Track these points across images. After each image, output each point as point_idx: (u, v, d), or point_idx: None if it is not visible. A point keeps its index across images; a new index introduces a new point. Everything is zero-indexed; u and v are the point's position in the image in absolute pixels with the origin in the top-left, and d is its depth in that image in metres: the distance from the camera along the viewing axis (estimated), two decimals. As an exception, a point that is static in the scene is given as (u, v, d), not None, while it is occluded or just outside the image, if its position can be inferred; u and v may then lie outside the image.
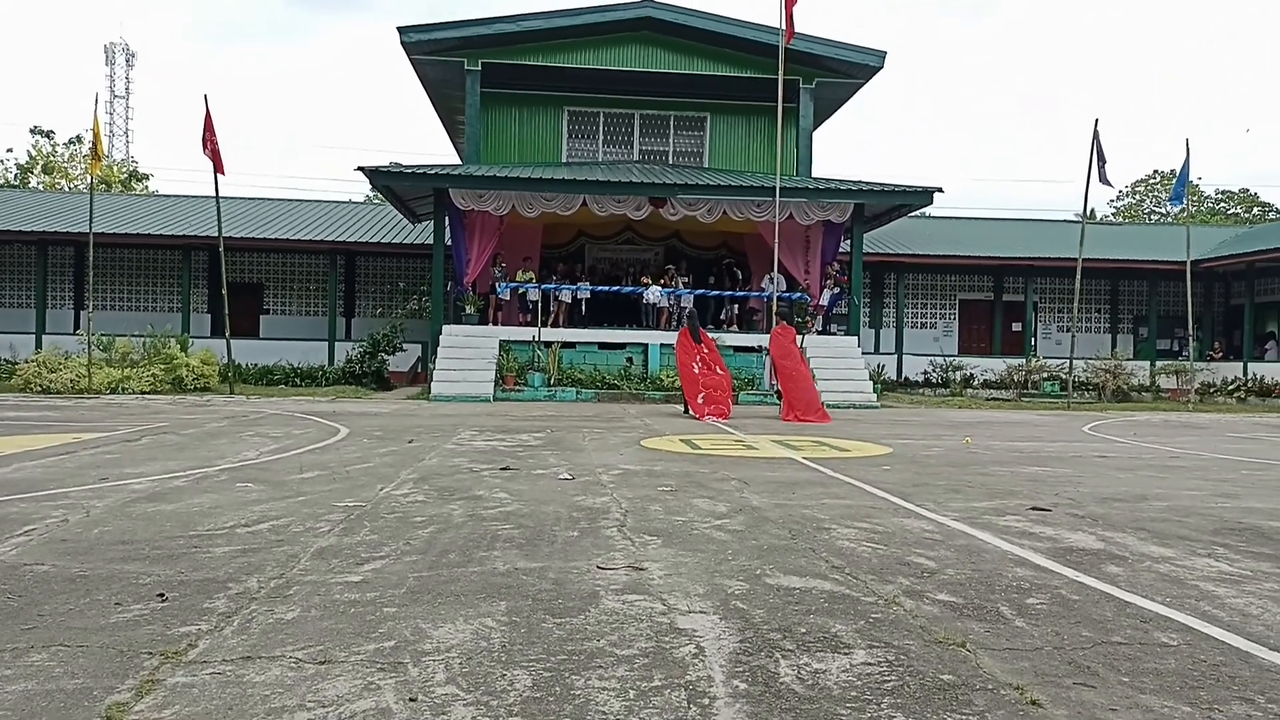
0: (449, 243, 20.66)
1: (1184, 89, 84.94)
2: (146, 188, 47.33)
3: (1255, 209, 49.40)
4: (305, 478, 6.93)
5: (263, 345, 23.78)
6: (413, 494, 6.22)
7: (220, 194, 19.50)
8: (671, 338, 18.08)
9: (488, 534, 4.88)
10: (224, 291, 19.63)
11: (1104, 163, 20.10)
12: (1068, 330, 24.73)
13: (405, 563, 4.21)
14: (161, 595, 3.60)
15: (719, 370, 15.40)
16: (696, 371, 15.15)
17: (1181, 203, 23.44)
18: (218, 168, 18.73)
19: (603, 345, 20.35)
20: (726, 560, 4.36)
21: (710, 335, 16.54)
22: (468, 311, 20.31)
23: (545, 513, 5.55)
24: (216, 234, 19.70)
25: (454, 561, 4.25)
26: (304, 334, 25.15)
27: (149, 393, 18.06)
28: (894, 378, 25.29)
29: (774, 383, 15.67)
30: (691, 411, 14.74)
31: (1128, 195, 52.89)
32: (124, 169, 51.41)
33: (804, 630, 3.28)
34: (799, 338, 15.92)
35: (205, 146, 18.46)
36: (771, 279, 19.44)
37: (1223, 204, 50.99)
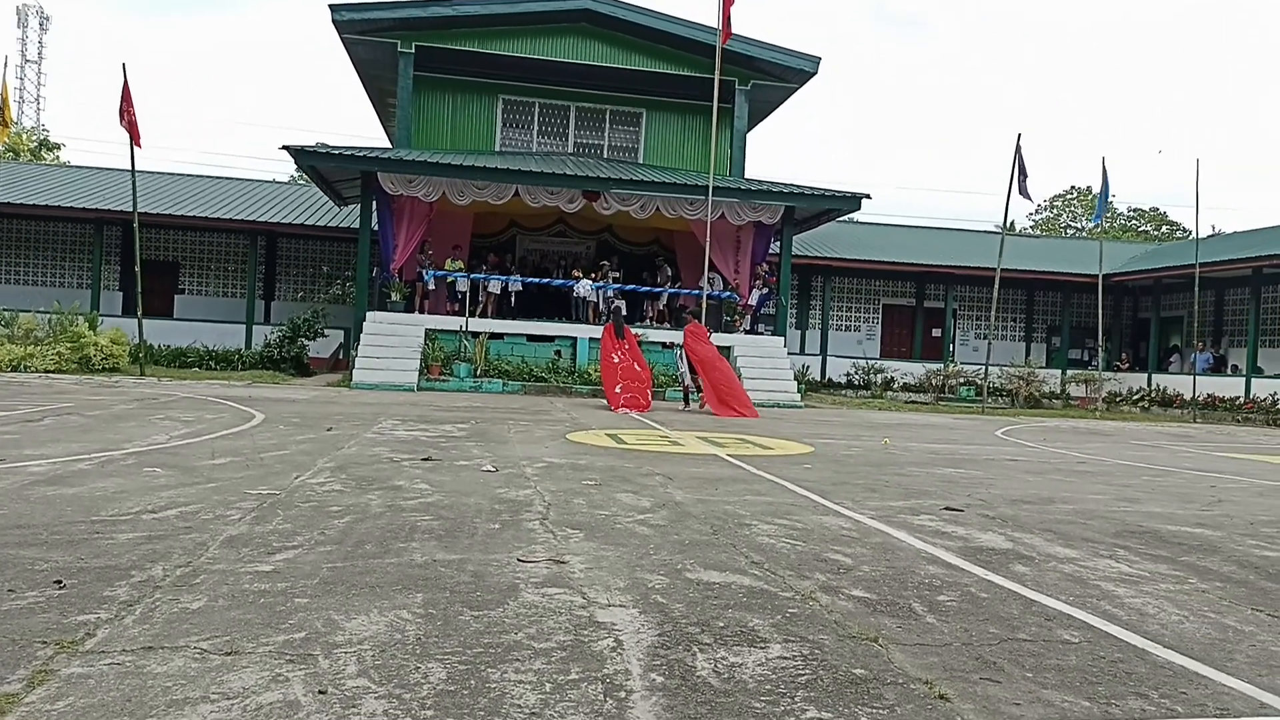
0: (376, 227, 20.26)
1: (1102, 109, 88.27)
2: (58, 158, 45.32)
3: (1164, 227, 51.58)
4: (217, 464, 6.73)
5: (177, 326, 23.03)
6: (329, 483, 6.08)
7: (137, 168, 18.77)
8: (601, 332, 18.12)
9: (406, 525, 4.80)
10: (137, 269, 18.89)
11: (1025, 176, 20.76)
12: (985, 338, 25.49)
13: (319, 553, 4.11)
14: (59, 582, 3.44)
15: (638, 366, 16.00)
16: (616, 362, 15.83)
17: (1100, 219, 24.34)
18: (135, 140, 18.03)
19: (531, 337, 20.23)
20: (648, 555, 4.36)
21: (636, 331, 16.88)
22: (393, 299, 19.96)
23: (467, 504, 5.49)
24: (131, 209, 18.96)
25: (370, 552, 4.16)
26: (221, 316, 24.42)
27: (53, 372, 17.32)
28: (818, 378, 25.72)
29: (685, 378, 16.42)
30: (608, 402, 15.30)
31: (1046, 209, 54.70)
32: (33, 137, 49.14)
33: (722, 624, 3.30)
34: (710, 334, 16.38)
35: (122, 118, 17.75)
36: (710, 279, 19.67)
37: (1134, 221, 53.10)
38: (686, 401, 16.48)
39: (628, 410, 14.73)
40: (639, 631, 3.18)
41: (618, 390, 15.45)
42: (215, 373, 19.81)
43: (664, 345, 19.43)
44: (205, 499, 5.27)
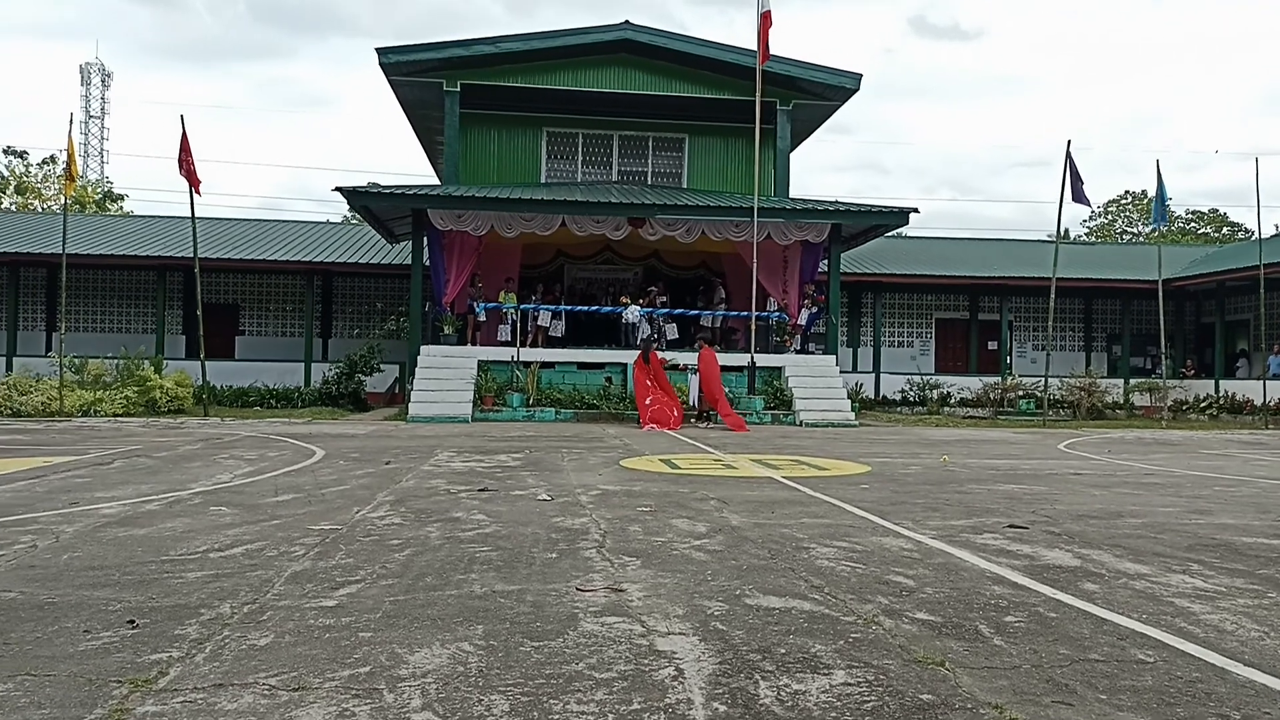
0: (427, 263, 20.61)
1: (1155, 109, 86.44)
2: (121, 208, 46.96)
3: (1225, 228, 50.21)
4: (280, 501, 6.86)
5: (238, 367, 23.58)
6: (389, 516, 6.16)
7: (196, 214, 19.37)
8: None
9: (465, 556, 4.84)
10: (199, 313, 19.46)
11: (1080, 182, 20.38)
12: (1042, 349, 24.97)
13: (381, 586, 4.16)
14: (132, 622, 3.53)
15: (662, 389, 17.68)
16: (649, 384, 17.59)
17: (1164, 222, 23.74)
18: (194, 187, 18.62)
19: (581, 365, 20.32)
20: (706, 581, 4.34)
21: (663, 356, 18.74)
22: (446, 332, 20.23)
23: (523, 534, 5.52)
24: (192, 254, 19.55)
25: (431, 585, 4.21)
26: (280, 355, 24.95)
27: (122, 415, 17.84)
28: (872, 396, 25.38)
29: (699, 399, 18.14)
30: (640, 419, 16.91)
31: (1100, 215, 53.62)
32: (98, 189, 51.01)
33: (783, 651, 3.27)
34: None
35: (181, 167, 18.35)
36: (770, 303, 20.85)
37: (1193, 224, 51.79)
38: (705, 418, 17.80)
39: (655, 426, 16.30)
40: (700, 659, 3.16)
41: (648, 402, 17.11)
42: (276, 411, 20.23)
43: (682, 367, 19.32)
44: (269, 536, 5.38)
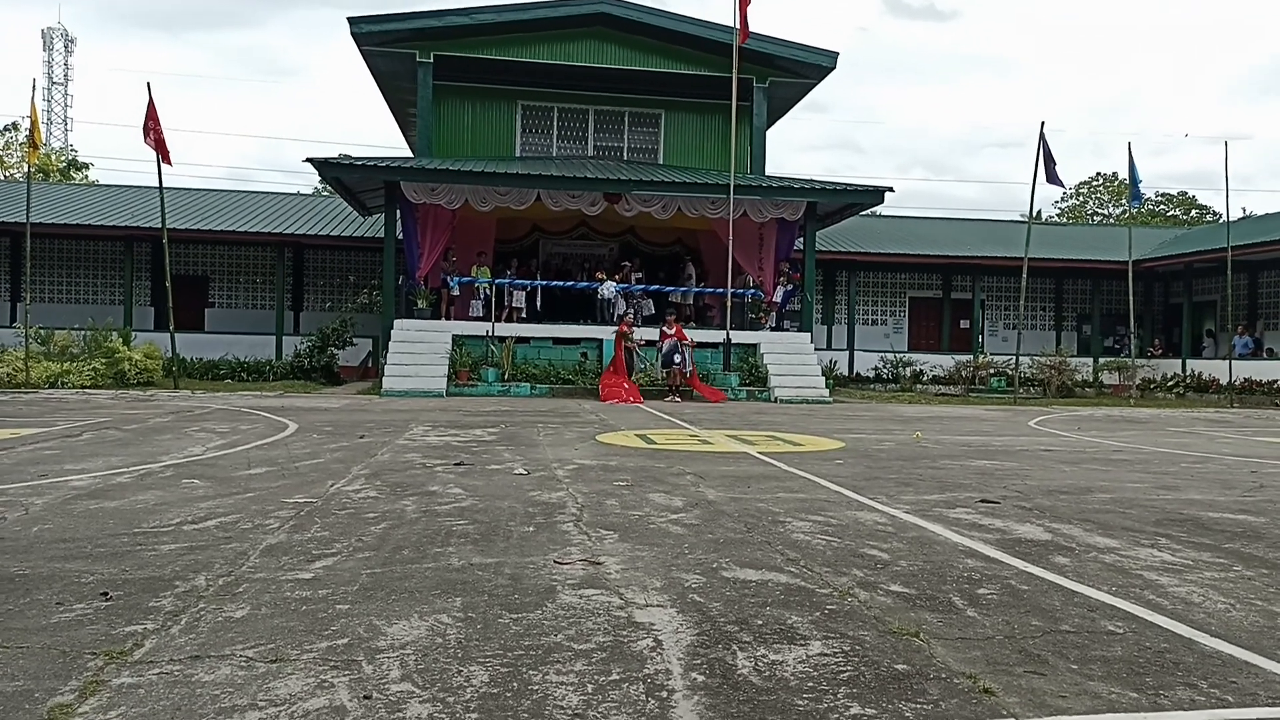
0: (400, 236, 20.41)
1: (1127, 92, 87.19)
2: (86, 177, 46.05)
3: (1194, 210, 50.84)
4: (253, 474, 6.80)
5: (208, 339, 23.30)
6: (364, 490, 6.13)
7: (164, 184, 19.03)
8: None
9: (442, 530, 4.83)
10: (168, 284, 19.17)
11: (1053, 163, 20.52)
12: (1014, 328, 25.23)
13: (358, 559, 4.15)
14: (105, 594, 3.50)
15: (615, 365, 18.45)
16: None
17: (1139, 202, 23.99)
18: (163, 157, 18.30)
19: (557, 340, 20.26)
20: (683, 554, 4.37)
21: (639, 332, 19.21)
22: (420, 306, 20.07)
23: (500, 508, 5.51)
24: (160, 225, 19.23)
25: (408, 558, 4.20)
26: (251, 328, 24.66)
27: (90, 387, 17.59)
28: (846, 373, 25.56)
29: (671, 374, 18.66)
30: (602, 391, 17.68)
31: (1072, 196, 54.08)
32: (63, 158, 49.98)
33: (760, 622, 3.29)
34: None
35: (148, 135, 18.00)
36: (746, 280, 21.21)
37: (1162, 206, 52.36)
38: (675, 392, 18.11)
39: (612, 401, 16.86)
40: (678, 631, 3.18)
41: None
42: (247, 384, 20.03)
43: (694, 345, 19.30)
44: (244, 509, 5.34)
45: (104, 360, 18.51)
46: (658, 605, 3.49)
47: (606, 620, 3.28)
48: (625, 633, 3.14)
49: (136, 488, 6.04)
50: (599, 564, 4.13)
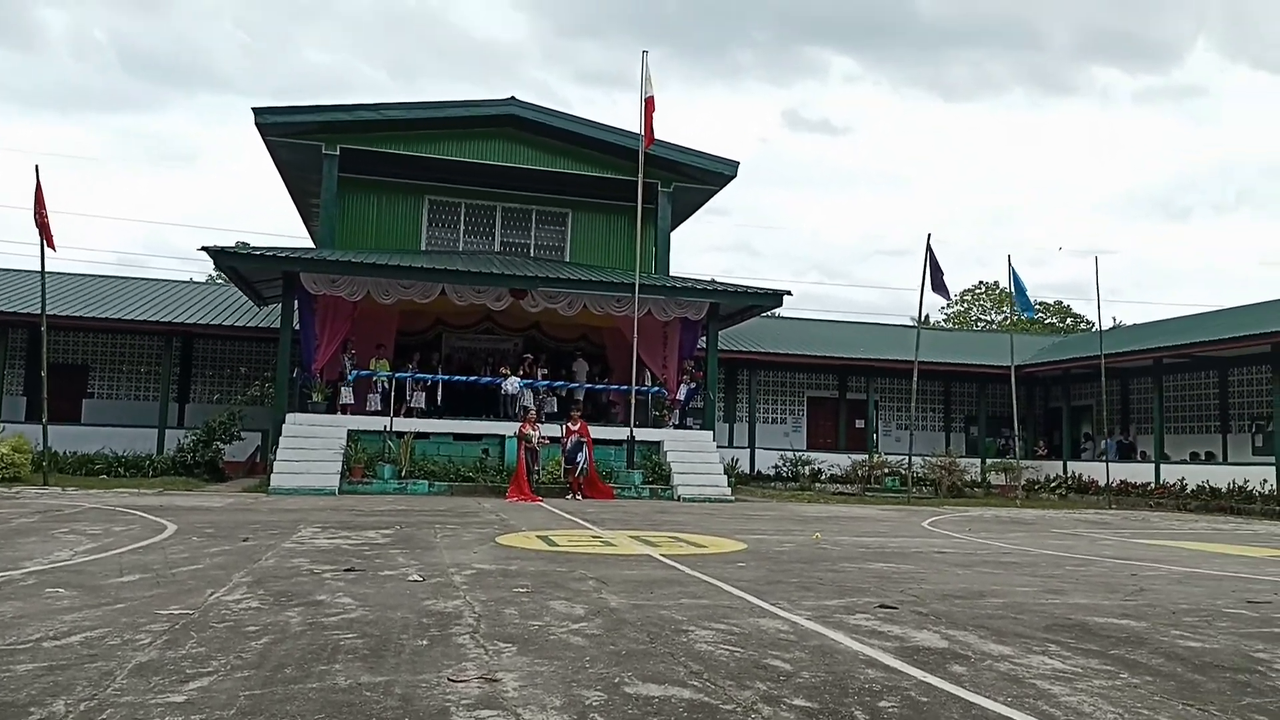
0: (297, 327, 19.93)
1: (1005, 206, 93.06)
2: (-39, 258, 43.80)
3: (1069, 319, 54.03)
4: (125, 581, 6.36)
5: (85, 431, 22.09)
6: (246, 600, 5.80)
7: (46, 269, 18.24)
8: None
9: (329, 644, 4.58)
10: (43, 373, 18.16)
11: (940, 273, 21.59)
12: (906, 428, 26.05)
13: (236, 679, 3.88)
14: (-55, 725, 3.17)
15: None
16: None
17: (1032, 312, 25.41)
18: (48, 242, 17.57)
19: (458, 436, 19.92)
20: (584, 668, 4.24)
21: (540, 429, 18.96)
22: (314, 399, 19.52)
23: (393, 619, 5.28)
24: (39, 311, 18.34)
25: (290, 677, 3.95)
26: (132, 420, 23.52)
27: (-54, 483, 16.35)
28: (747, 471, 25.84)
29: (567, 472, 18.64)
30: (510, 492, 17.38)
31: (958, 303, 56.90)
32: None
33: (663, 743, 3.19)
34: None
35: (35, 219, 17.30)
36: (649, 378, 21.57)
37: (1040, 314, 55.50)
38: (575, 490, 18.11)
39: (512, 500, 16.65)
40: (578, 755, 3.05)
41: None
42: (125, 480, 18.94)
43: (595, 441, 19.26)
44: (113, 622, 4.96)
45: (-35, 453, 17.28)
46: (557, 726, 3.35)
47: (503, 744, 3.13)
48: (522, 758, 3.00)
49: (-9, 598, 5.56)
50: (496, 680, 3.97)
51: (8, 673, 3.87)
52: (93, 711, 3.37)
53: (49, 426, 18.15)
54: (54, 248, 17.76)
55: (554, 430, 19.20)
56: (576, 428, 18.60)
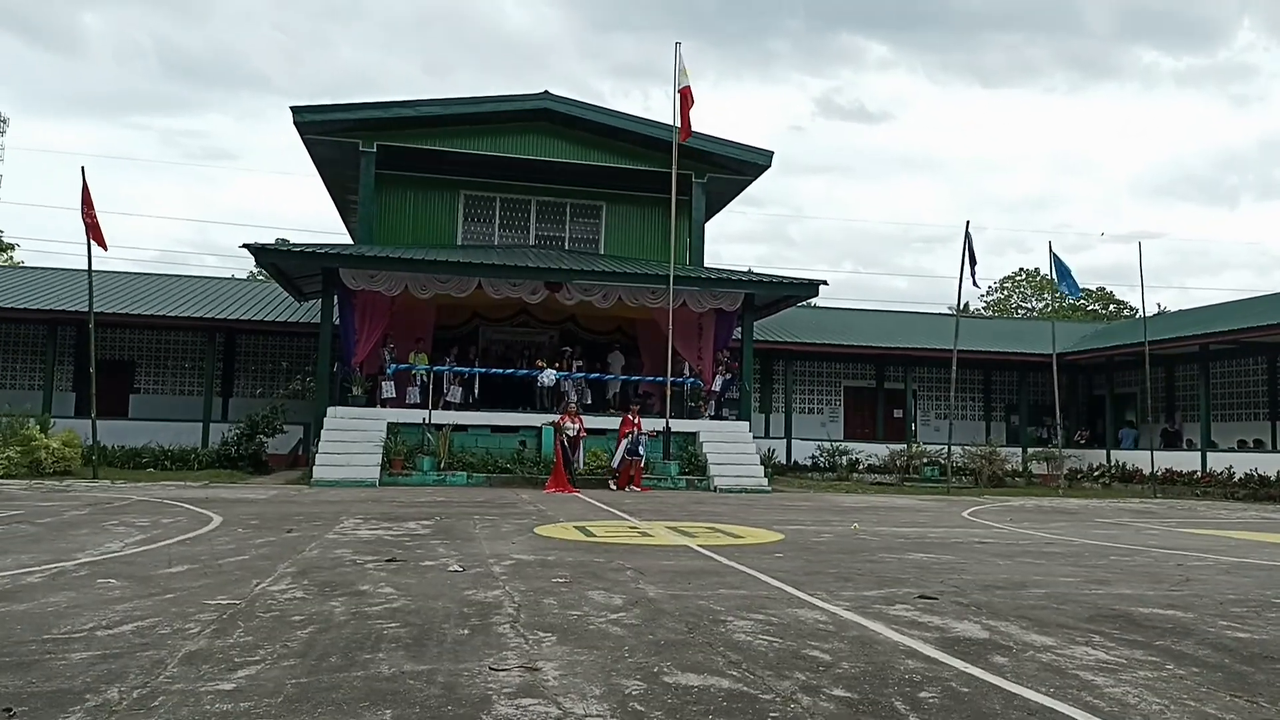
0: (337, 322, 20.19)
1: (1047, 192, 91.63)
2: (11, 258, 44.89)
3: (1111, 305, 53.09)
4: (174, 572, 6.51)
5: (132, 426, 22.54)
6: (291, 590, 5.91)
7: (93, 267, 18.64)
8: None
9: (372, 634, 4.66)
10: (92, 369, 18.58)
11: (974, 264, 21.31)
12: (945, 417, 25.78)
13: (282, 668, 3.96)
14: (9, 710, 3.28)
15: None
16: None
17: (1078, 293, 25.03)
18: (98, 241, 17.93)
19: (495, 428, 20.07)
20: (623, 658, 4.27)
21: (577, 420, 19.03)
22: (355, 393, 19.77)
23: (434, 609, 5.35)
24: (86, 308, 18.75)
25: (335, 665, 4.02)
26: (177, 414, 23.97)
27: (2, 477, 16.79)
28: (784, 461, 25.72)
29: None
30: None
31: (997, 290, 56.12)
32: (-13, 238, 48.63)
33: (703, 732, 3.21)
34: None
35: (84, 219, 17.67)
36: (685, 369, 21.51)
37: (1083, 300, 54.60)
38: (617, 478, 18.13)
39: (550, 491, 16.66)
40: (618, 743, 3.08)
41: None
42: (171, 473, 19.34)
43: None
44: (162, 611, 5.09)
45: (19, 449, 17.74)
46: (597, 715, 3.39)
47: (544, 732, 3.17)
48: (563, 746, 3.03)
49: (47, 588, 5.73)
50: (536, 669, 4.01)
51: (64, 661, 3.99)
52: (145, 699, 3.47)
53: (97, 421, 18.58)
54: (105, 247, 18.13)
55: (594, 423, 19.28)
56: (636, 421, 18.60)
